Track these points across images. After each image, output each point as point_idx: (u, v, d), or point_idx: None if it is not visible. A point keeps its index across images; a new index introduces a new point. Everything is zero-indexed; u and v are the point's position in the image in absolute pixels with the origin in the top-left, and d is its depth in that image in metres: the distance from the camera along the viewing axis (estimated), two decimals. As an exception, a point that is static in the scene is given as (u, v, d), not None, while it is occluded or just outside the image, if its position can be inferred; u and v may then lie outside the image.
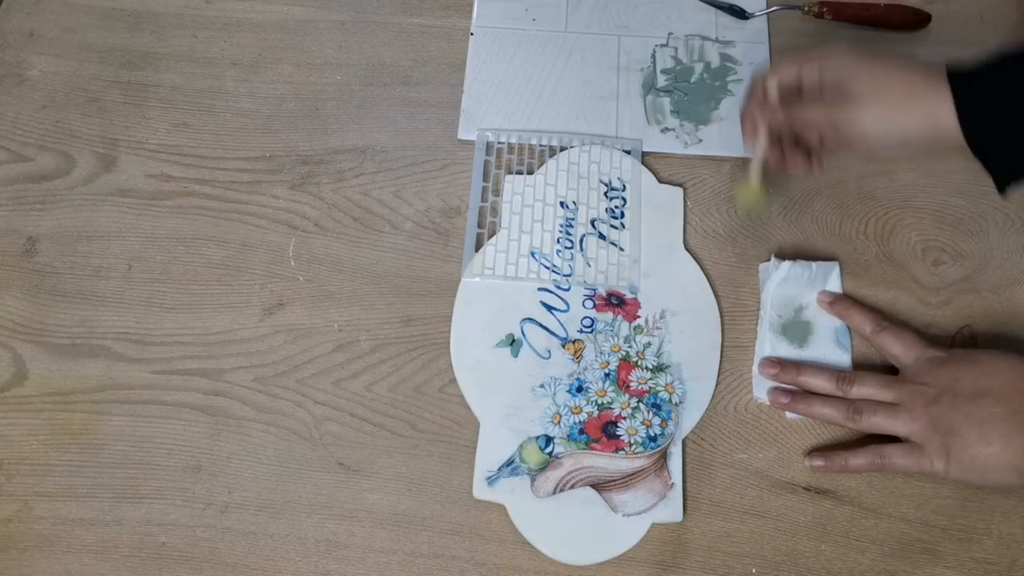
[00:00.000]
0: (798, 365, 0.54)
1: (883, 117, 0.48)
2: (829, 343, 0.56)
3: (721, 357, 0.56)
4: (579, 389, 0.55)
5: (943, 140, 0.47)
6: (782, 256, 0.57)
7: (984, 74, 0.47)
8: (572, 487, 0.52)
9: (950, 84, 0.47)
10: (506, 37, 0.67)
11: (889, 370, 0.55)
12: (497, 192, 0.61)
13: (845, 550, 0.51)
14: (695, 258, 0.59)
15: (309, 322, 0.57)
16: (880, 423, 0.51)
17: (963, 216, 0.60)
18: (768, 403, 0.54)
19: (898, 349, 0.53)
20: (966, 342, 0.56)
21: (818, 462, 0.52)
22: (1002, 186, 0.48)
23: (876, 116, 0.48)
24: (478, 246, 0.59)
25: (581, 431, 0.53)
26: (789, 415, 0.54)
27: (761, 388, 0.55)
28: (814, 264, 0.56)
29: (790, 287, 0.56)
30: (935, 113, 0.47)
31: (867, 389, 0.52)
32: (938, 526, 0.51)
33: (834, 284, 0.57)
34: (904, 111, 0.48)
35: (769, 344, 0.55)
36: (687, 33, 0.67)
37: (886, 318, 0.55)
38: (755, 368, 0.55)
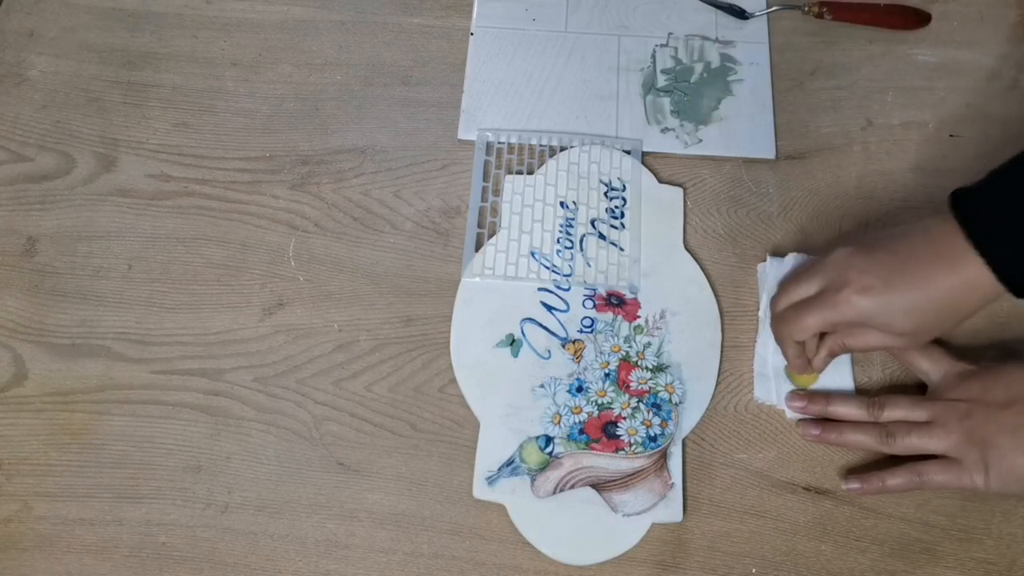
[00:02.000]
0: (826, 395, 0.53)
1: (932, 334, 0.50)
2: None
3: (721, 357, 0.56)
4: (579, 389, 0.55)
5: (994, 299, 0.47)
6: (778, 255, 0.57)
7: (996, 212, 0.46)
8: (572, 487, 0.52)
9: (975, 247, 0.45)
10: (506, 37, 0.67)
11: (919, 388, 0.54)
12: (497, 192, 0.61)
13: (845, 550, 0.51)
14: (695, 258, 0.59)
15: (309, 322, 0.57)
16: (915, 443, 0.50)
17: (963, 216, 0.60)
18: (765, 403, 0.54)
19: (926, 365, 0.53)
20: (996, 356, 0.55)
21: (855, 485, 0.51)
22: None
23: (925, 338, 0.50)
24: (478, 246, 0.59)
25: (581, 431, 0.53)
26: (789, 415, 0.54)
27: (763, 389, 0.55)
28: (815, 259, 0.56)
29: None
30: (985, 296, 0.46)
31: (898, 411, 0.51)
32: (938, 526, 0.51)
33: None
34: (949, 316, 0.48)
35: (771, 343, 0.55)
36: (687, 33, 0.67)
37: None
38: (756, 368, 0.55)
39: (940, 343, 0.54)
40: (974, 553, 0.51)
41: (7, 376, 0.56)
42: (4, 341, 0.57)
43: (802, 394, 0.54)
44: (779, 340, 0.53)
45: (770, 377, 0.55)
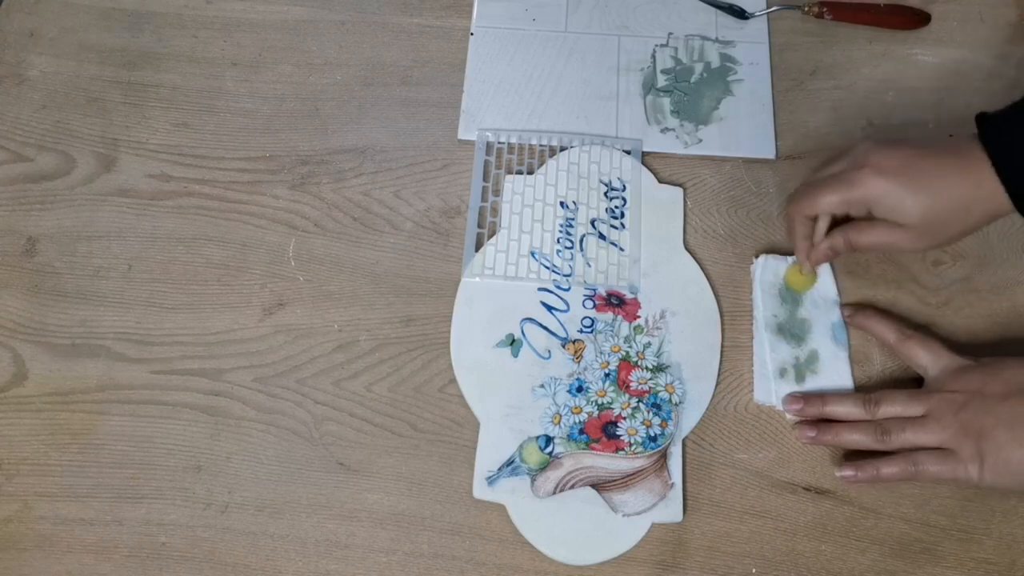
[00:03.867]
0: (822, 396, 0.53)
1: (937, 237, 0.50)
2: (825, 339, 0.56)
3: (721, 357, 0.56)
4: (579, 389, 0.55)
5: (1002, 215, 0.49)
6: (770, 253, 0.57)
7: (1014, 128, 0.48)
8: (572, 487, 0.52)
9: (988, 155, 0.48)
10: (506, 37, 0.67)
11: (915, 382, 0.54)
12: (497, 192, 0.61)
13: (845, 550, 0.51)
14: (695, 258, 0.59)
15: (309, 322, 0.57)
16: (910, 439, 0.50)
17: (963, 216, 0.60)
18: (765, 404, 0.54)
19: (925, 359, 0.53)
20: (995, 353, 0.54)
21: (848, 472, 0.51)
22: None
23: (930, 240, 0.51)
24: (478, 246, 0.59)
25: (581, 431, 0.53)
26: (790, 417, 0.54)
27: (762, 391, 0.55)
28: (790, 258, 0.57)
29: (772, 284, 0.56)
30: (991, 208, 0.49)
31: (895, 407, 0.51)
32: (938, 526, 0.51)
33: (825, 278, 0.57)
34: (956, 219, 0.49)
35: (768, 344, 0.55)
36: (687, 33, 0.67)
37: (910, 326, 0.54)
38: (756, 368, 0.55)
39: (940, 339, 0.54)
40: (974, 553, 0.51)
41: (7, 376, 0.56)
42: (4, 341, 0.57)
43: (798, 396, 0.54)
44: (790, 220, 0.54)
45: (770, 378, 0.55)
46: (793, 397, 0.54)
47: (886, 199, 0.49)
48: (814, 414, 0.53)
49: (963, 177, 0.48)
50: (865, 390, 0.55)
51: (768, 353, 0.55)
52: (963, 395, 0.50)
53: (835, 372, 0.55)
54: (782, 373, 0.55)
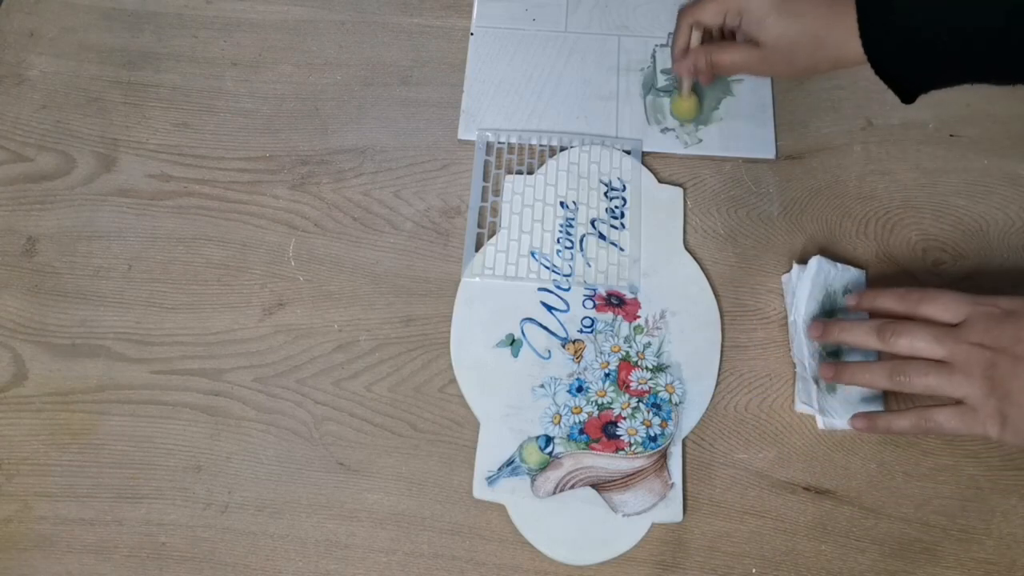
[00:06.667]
0: (840, 323, 0.52)
1: (785, 66, 0.54)
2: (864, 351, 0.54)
3: (721, 357, 0.56)
4: (579, 389, 0.55)
5: (849, 63, 0.51)
6: (803, 262, 0.57)
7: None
8: (572, 487, 0.52)
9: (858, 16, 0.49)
10: (506, 37, 0.67)
11: None
12: (497, 192, 0.61)
13: (845, 550, 0.51)
14: (695, 258, 0.59)
15: (309, 322, 0.57)
16: (931, 384, 0.47)
17: (963, 216, 0.60)
18: (806, 411, 0.53)
19: (942, 313, 0.49)
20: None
21: (860, 423, 0.51)
22: (906, 99, 0.51)
23: (779, 67, 0.54)
24: (478, 246, 0.59)
25: (581, 431, 0.53)
26: (821, 425, 0.53)
27: (804, 395, 0.53)
28: (840, 264, 0.56)
29: (819, 288, 0.55)
30: (841, 51, 0.50)
31: (917, 343, 0.49)
32: (938, 526, 0.51)
33: (857, 276, 0.57)
34: (805, 50, 0.52)
35: (807, 349, 0.54)
36: (687, 33, 0.67)
37: (914, 286, 0.52)
38: (798, 372, 0.54)
39: (951, 289, 0.51)
40: (974, 553, 0.51)
41: (7, 376, 0.56)
42: (4, 341, 0.57)
43: (818, 323, 0.53)
44: (677, 28, 0.57)
45: (810, 384, 0.53)
46: (816, 323, 0.53)
47: (754, 11, 0.52)
48: (832, 340, 0.53)
49: (829, 10, 0.50)
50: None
51: (807, 358, 0.54)
52: (991, 351, 0.46)
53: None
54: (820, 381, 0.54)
